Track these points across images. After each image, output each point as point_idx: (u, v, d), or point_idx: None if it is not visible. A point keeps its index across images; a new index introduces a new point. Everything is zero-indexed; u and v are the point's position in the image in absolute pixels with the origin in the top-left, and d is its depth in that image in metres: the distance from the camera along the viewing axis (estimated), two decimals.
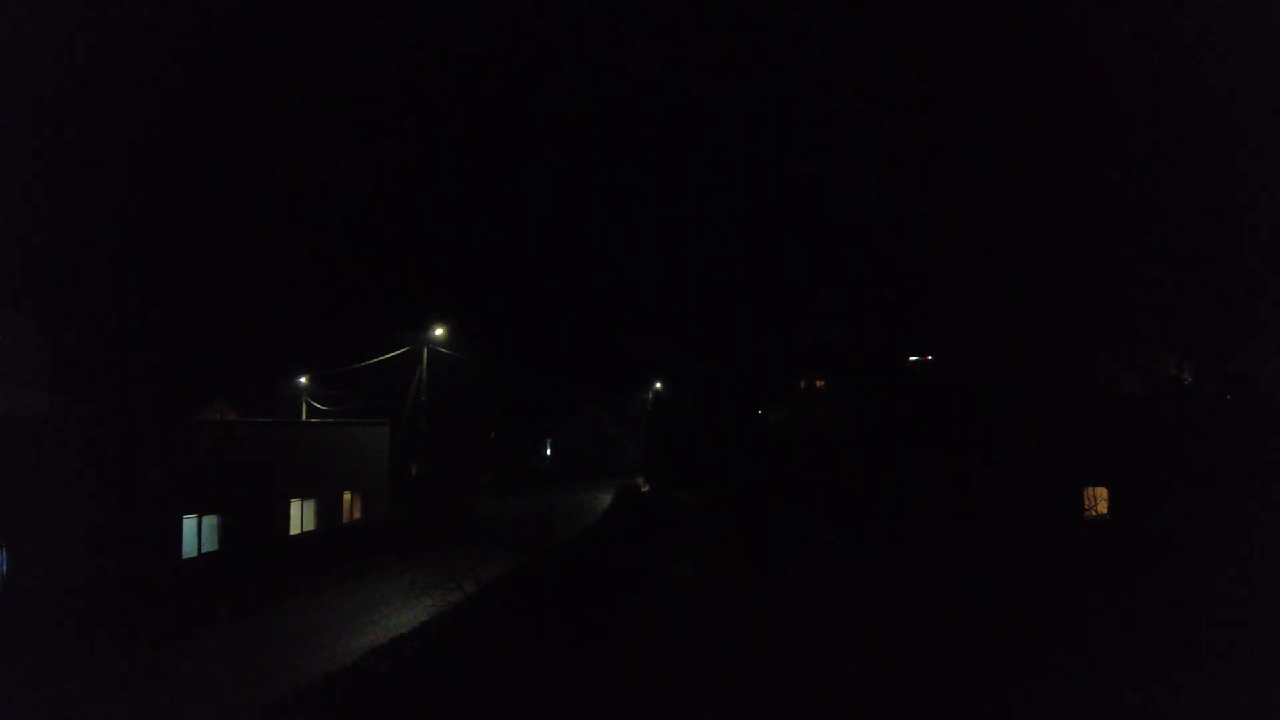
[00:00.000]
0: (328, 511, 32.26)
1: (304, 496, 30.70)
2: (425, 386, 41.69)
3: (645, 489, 52.05)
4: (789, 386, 59.06)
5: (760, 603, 20.88)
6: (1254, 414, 24.75)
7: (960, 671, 15.20)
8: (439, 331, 42.80)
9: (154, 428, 25.13)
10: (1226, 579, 17.59)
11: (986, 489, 24.39)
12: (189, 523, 24.60)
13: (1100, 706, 13.96)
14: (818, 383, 57.52)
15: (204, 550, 25.06)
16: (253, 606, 23.67)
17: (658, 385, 72.89)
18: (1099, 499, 24.38)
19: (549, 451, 79.01)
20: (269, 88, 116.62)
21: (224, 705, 15.41)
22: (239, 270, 78.35)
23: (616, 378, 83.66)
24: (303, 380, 54.30)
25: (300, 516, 30.47)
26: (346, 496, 34.02)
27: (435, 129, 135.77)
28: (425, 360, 41.60)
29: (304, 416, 51.44)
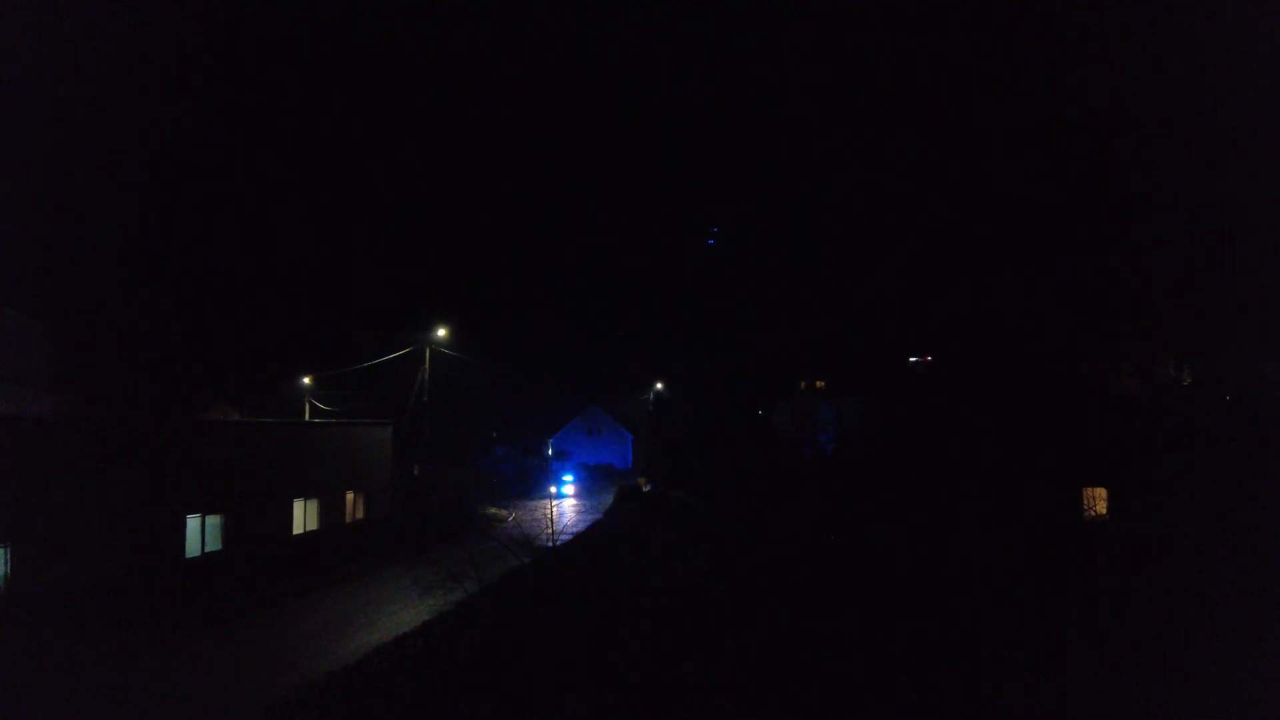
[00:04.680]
0: (330, 511, 32.42)
1: (307, 496, 30.86)
2: (427, 387, 41.83)
3: (646, 489, 52.17)
4: (789, 386, 59.14)
5: (760, 602, 20.96)
6: (1254, 414, 24.79)
7: (960, 671, 15.28)
8: (441, 332, 42.96)
9: (158, 428, 25.28)
10: (1226, 580, 17.65)
11: (986, 489, 24.46)
12: (192, 522, 24.75)
13: (1099, 707, 14.03)
14: (818, 383, 57.59)
15: (207, 550, 25.22)
16: (256, 606, 23.82)
17: (659, 385, 73.05)
18: (1098, 499, 24.45)
19: (551, 451, 79.09)
20: (272, 89, 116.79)
21: (227, 705, 15.52)
22: (242, 271, 78.54)
23: (618, 378, 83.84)
24: (306, 380, 54.48)
25: (303, 516, 30.64)
26: (349, 496, 34.19)
27: (436, 130, 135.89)
28: (428, 361, 41.75)
29: (307, 417, 51.57)
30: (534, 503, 48.66)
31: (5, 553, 19.18)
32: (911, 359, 50.48)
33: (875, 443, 31.75)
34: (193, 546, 24.73)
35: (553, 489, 47.37)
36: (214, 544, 25.58)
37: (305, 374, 54.50)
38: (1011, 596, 18.69)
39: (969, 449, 26.45)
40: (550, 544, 25.45)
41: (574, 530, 35.57)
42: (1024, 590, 18.92)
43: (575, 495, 53.91)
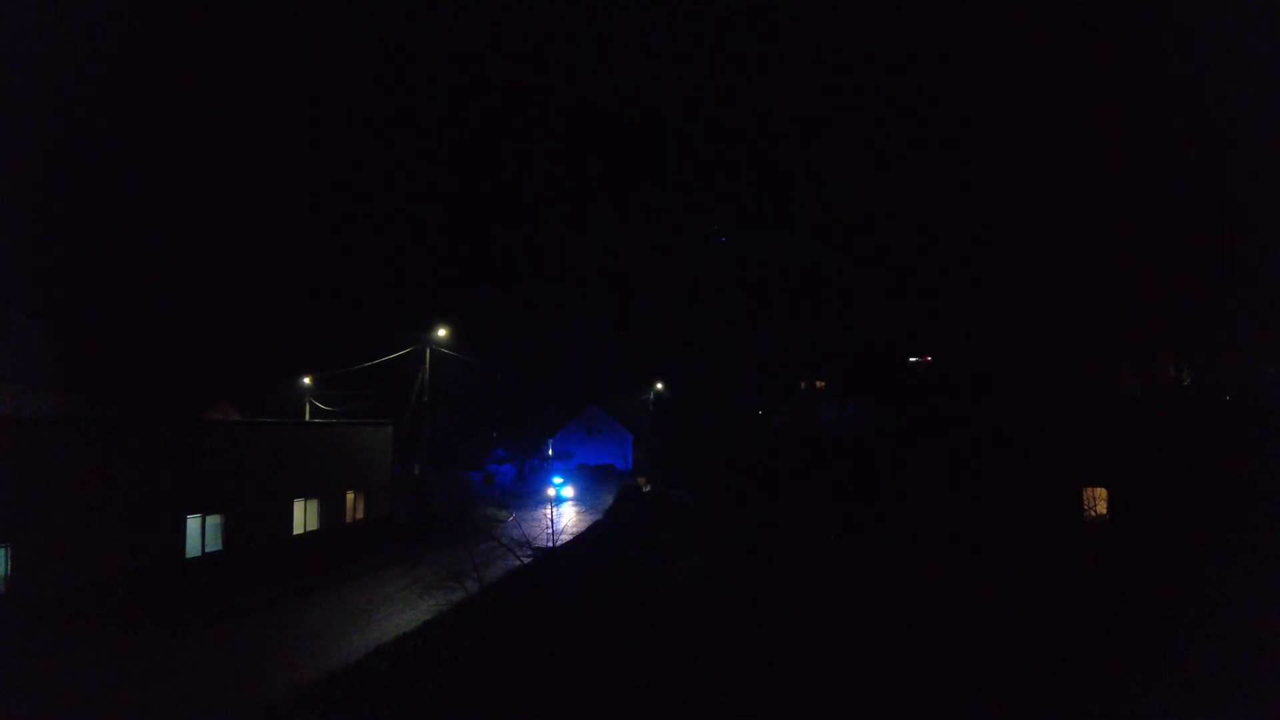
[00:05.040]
0: (331, 511, 32.44)
1: (307, 496, 30.88)
2: (428, 387, 41.83)
3: (646, 489, 52.15)
4: (789, 387, 59.04)
5: (760, 603, 20.97)
6: (1253, 415, 24.79)
7: (958, 672, 15.29)
8: (441, 332, 42.95)
9: (159, 428, 25.30)
10: (1226, 580, 17.65)
11: (986, 490, 24.45)
12: (193, 522, 24.77)
13: (1099, 707, 14.03)
14: (818, 383, 57.51)
15: (208, 550, 25.24)
16: (256, 606, 23.82)
17: (659, 386, 73.06)
18: (1098, 499, 24.45)
19: (551, 451, 79.13)
20: (272, 89, 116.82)
21: (227, 705, 15.53)
22: (244, 271, 78.54)
23: (618, 378, 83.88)
24: (306, 381, 54.54)
25: (303, 516, 30.66)
26: (349, 496, 34.21)
27: (437, 130, 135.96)
28: (428, 361, 41.74)
29: (308, 417, 51.61)
30: (533, 503, 48.67)
31: (5, 553, 19.19)
32: (912, 359, 50.42)
33: (876, 443, 31.73)
34: (193, 546, 24.74)
35: (549, 492, 47.01)
36: (214, 544, 25.59)
37: (306, 374, 54.58)
38: (1012, 597, 18.69)
39: (969, 449, 26.44)
40: (550, 544, 25.44)
41: (574, 531, 35.56)
42: (1024, 590, 18.92)
43: (573, 499, 53.64)
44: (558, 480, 55.59)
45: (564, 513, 44.22)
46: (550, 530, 26.71)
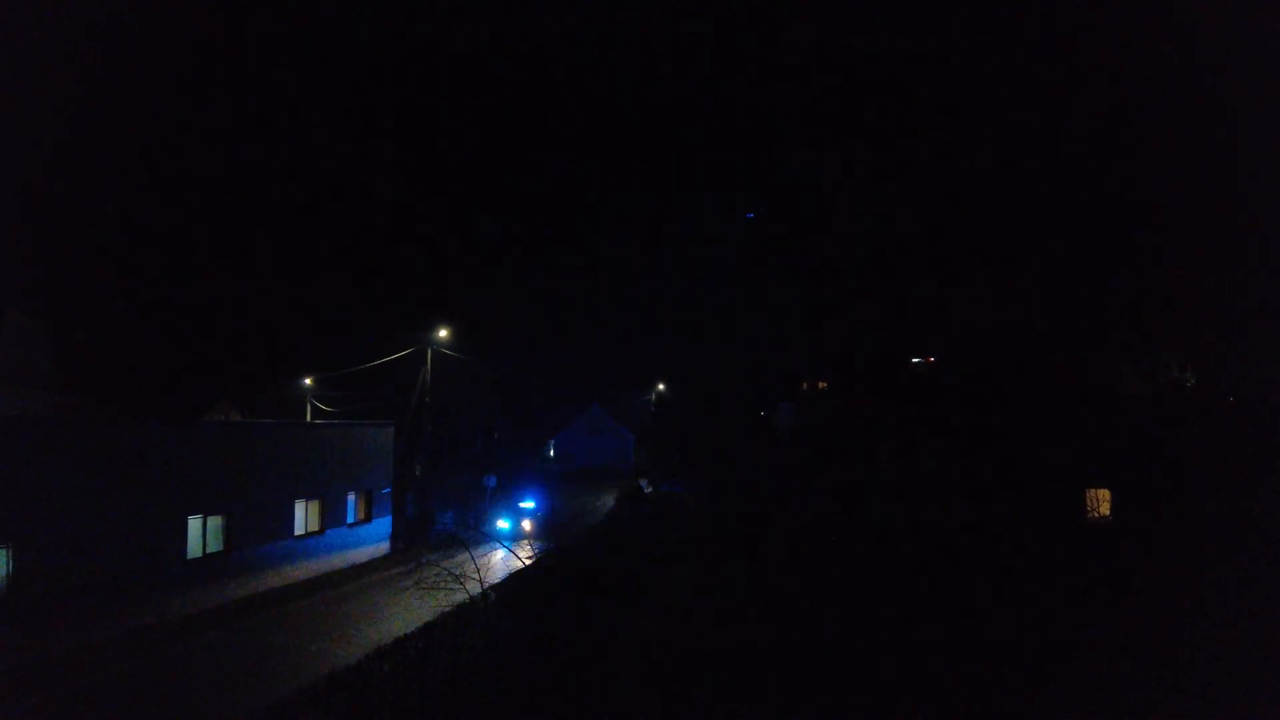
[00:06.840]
0: (332, 512, 32.40)
1: (308, 497, 30.85)
2: (429, 388, 41.77)
3: (648, 489, 52.11)
4: (792, 388, 59.06)
5: (760, 605, 20.94)
6: (1256, 416, 24.78)
7: (961, 672, 15.25)
8: (442, 333, 42.89)
9: (159, 429, 25.27)
10: (1228, 581, 17.63)
11: (990, 491, 24.45)
12: (194, 523, 24.74)
13: (1101, 706, 14.00)
14: (820, 384, 57.53)
15: (209, 551, 25.21)
16: (257, 607, 23.77)
17: (661, 386, 73.04)
18: (1101, 500, 24.46)
19: (552, 452, 79.05)
20: (273, 89, 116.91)
21: (227, 706, 15.48)
22: (244, 271, 78.54)
23: (620, 378, 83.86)
24: (307, 381, 54.53)
25: (304, 517, 30.63)
26: (351, 497, 34.18)
27: (438, 130, 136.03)
28: (429, 362, 41.68)
29: (309, 417, 51.61)
30: (536, 504, 48.43)
31: (5, 553, 19.16)
32: (914, 360, 50.45)
33: (878, 445, 31.73)
34: (194, 547, 24.71)
35: (501, 523, 32.20)
36: (215, 544, 25.56)
37: (306, 375, 54.58)
38: (1014, 597, 18.67)
39: (971, 450, 26.44)
40: (552, 545, 25.43)
41: (577, 531, 35.54)
42: (1027, 590, 18.90)
43: (578, 497, 51.89)
44: (527, 504, 39.01)
45: (567, 514, 42.37)
46: (552, 532, 26.72)
